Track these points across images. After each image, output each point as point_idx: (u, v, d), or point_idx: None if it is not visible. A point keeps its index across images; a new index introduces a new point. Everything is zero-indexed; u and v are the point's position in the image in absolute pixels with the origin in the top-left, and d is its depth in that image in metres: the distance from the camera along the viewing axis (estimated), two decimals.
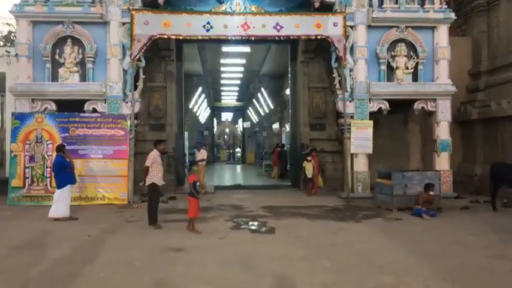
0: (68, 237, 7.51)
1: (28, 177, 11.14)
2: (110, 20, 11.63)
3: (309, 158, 12.91)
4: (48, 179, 10.98)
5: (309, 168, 12.91)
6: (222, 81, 27.55)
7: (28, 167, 11.17)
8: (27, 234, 7.76)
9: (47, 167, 11.06)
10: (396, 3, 12.30)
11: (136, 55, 11.52)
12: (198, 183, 8.19)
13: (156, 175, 8.35)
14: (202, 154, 13.82)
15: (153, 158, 8.41)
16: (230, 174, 23.05)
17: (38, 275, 5.42)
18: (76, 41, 11.74)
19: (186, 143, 17.91)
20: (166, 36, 11.95)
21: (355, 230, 8.31)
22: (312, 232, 8.04)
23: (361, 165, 12.21)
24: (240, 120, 38.80)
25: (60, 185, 9.23)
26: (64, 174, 9.25)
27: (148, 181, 8.36)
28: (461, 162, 14.06)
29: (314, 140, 14.00)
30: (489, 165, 10.80)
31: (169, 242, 7.10)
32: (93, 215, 9.65)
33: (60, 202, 9.13)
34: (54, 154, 10.09)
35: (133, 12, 11.44)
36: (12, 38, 23.99)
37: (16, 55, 11.62)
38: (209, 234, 7.71)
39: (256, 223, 8.89)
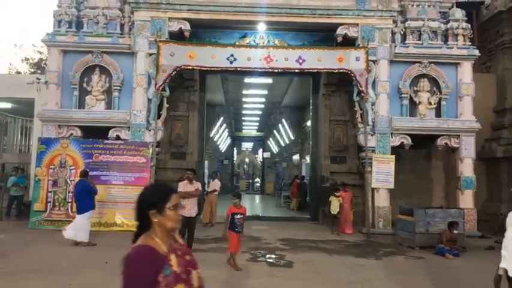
0: (86, 263, 7.53)
1: (50, 202, 11.31)
2: (137, 51, 11.99)
3: (337, 194, 11.88)
4: (70, 204, 11.13)
5: (335, 204, 11.83)
6: (244, 112, 27.83)
7: (51, 192, 11.35)
8: (46, 259, 7.83)
9: (69, 192, 11.23)
10: (419, 39, 12.34)
11: (161, 85, 11.78)
12: (239, 216, 7.55)
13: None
14: (215, 184, 13.46)
15: (180, 186, 8.26)
16: (249, 205, 22.91)
17: None
18: (103, 70, 12.11)
19: (206, 171, 17.99)
20: (190, 67, 12.23)
21: (375, 267, 8.10)
22: (330, 267, 7.88)
23: (382, 200, 12.02)
24: (260, 150, 38.88)
25: (81, 211, 9.33)
26: (86, 199, 9.37)
27: None
28: (486, 201, 13.70)
29: (334, 173, 13.88)
30: None
31: None
32: (112, 242, 9.67)
33: (80, 227, 9.21)
34: (77, 179, 10.25)
35: (160, 44, 11.78)
36: (42, 65, 24.90)
37: (46, 82, 12.03)
38: (225, 266, 7.63)
39: (274, 256, 8.76)
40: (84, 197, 9.32)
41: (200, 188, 8.68)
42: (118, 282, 6.35)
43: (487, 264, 8.48)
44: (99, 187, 10.60)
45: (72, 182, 11.13)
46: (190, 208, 8.11)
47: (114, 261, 7.64)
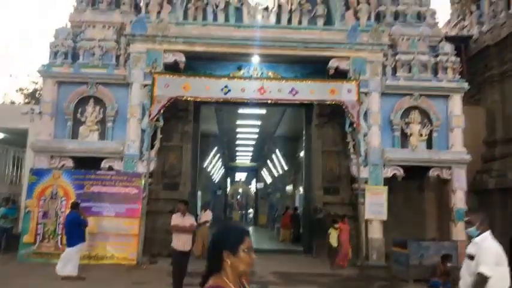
0: None
1: (40, 234, 11.11)
2: (132, 82, 12.08)
3: (336, 226, 11.74)
4: (59, 236, 10.93)
5: (334, 236, 11.68)
6: (237, 142, 27.89)
7: (41, 223, 11.18)
8: None
9: (59, 224, 11.05)
10: (409, 72, 12.59)
11: (155, 115, 11.83)
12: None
13: (175, 239, 7.97)
14: (207, 216, 13.29)
15: (173, 220, 8.12)
16: None
17: None
18: (98, 101, 12.16)
19: (199, 202, 17.84)
20: (185, 98, 12.34)
21: None
22: None
23: (375, 231, 11.95)
24: (254, 181, 38.76)
25: (71, 243, 9.18)
26: (76, 232, 9.24)
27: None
28: None
29: (327, 204, 13.83)
30: (508, 236, 10.48)
31: None
32: (101, 276, 9.49)
33: (69, 260, 9.05)
34: (68, 211, 10.12)
35: (155, 75, 11.90)
36: (37, 95, 24.97)
37: (40, 113, 12.05)
38: None
39: None
40: (74, 229, 9.20)
41: (194, 222, 8.48)
42: None
43: None
44: (90, 219, 10.47)
45: (63, 213, 10.97)
46: (184, 242, 7.91)
47: None
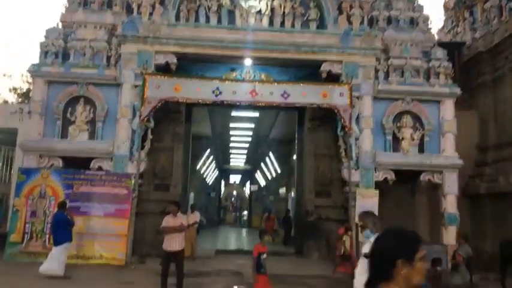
0: None
1: (27, 233, 11.02)
2: (123, 83, 12.01)
3: (349, 233, 11.22)
4: (47, 236, 10.83)
5: (348, 243, 11.17)
6: (231, 144, 27.87)
7: (29, 223, 11.09)
8: None
9: (47, 223, 10.95)
10: (402, 76, 12.60)
11: (146, 116, 11.76)
12: (265, 256, 6.96)
13: (165, 240, 8.00)
14: (194, 217, 13.30)
15: (165, 221, 8.14)
16: (234, 238, 22.62)
17: None
18: (88, 101, 12.07)
19: (195, 204, 17.76)
20: (176, 100, 12.29)
21: None
22: None
23: None
24: (248, 183, 38.73)
25: (57, 242, 9.14)
26: (63, 231, 9.19)
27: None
28: (470, 237, 13.64)
29: (319, 207, 13.81)
30: (499, 241, 10.48)
31: None
32: (88, 275, 9.42)
33: (56, 260, 8.98)
34: (55, 210, 10.05)
35: (146, 76, 11.84)
36: (30, 95, 24.83)
37: (29, 112, 11.96)
38: None
39: None
40: (61, 229, 9.15)
41: (184, 222, 8.47)
42: None
43: None
44: (78, 218, 10.45)
45: (51, 212, 10.89)
46: (175, 242, 7.92)
47: None
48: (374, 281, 1.98)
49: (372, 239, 4.00)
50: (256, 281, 6.82)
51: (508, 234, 11.66)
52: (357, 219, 11.84)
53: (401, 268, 1.92)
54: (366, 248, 4.10)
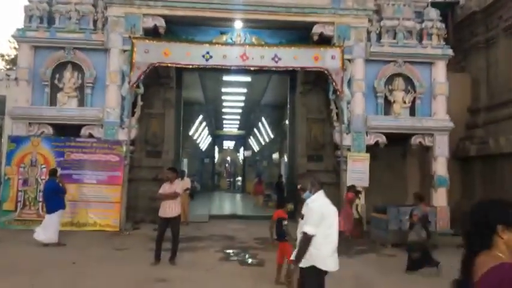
0: (52, 264, 7.38)
1: (20, 201, 11.04)
2: (110, 47, 11.75)
3: (360, 196, 11.08)
4: (40, 204, 10.85)
5: (360, 206, 11.13)
6: (224, 110, 27.70)
7: (21, 191, 11.08)
8: (11, 260, 7.64)
9: (39, 191, 10.94)
10: (394, 38, 12.42)
11: (135, 82, 11.58)
12: (286, 222, 6.71)
13: (161, 206, 7.87)
14: (185, 183, 13.02)
15: (162, 188, 8.03)
16: (228, 203, 22.86)
17: None
18: (76, 67, 11.84)
19: (185, 170, 17.82)
20: (165, 64, 12.08)
21: (347, 265, 8.09)
22: None
23: None
24: (242, 149, 38.85)
25: (50, 210, 9.16)
26: (55, 199, 9.19)
27: None
28: (460, 199, 13.88)
29: (311, 172, 13.86)
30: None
31: (154, 272, 6.95)
32: (82, 242, 9.51)
33: (49, 227, 9.03)
34: (47, 178, 10.03)
35: (134, 41, 11.58)
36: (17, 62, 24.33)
37: (16, 79, 11.73)
38: (196, 266, 7.55)
39: (247, 255, 8.72)
40: (53, 197, 9.15)
41: (178, 189, 8.27)
42: (82, 283, 6.22)
43: (458, 261, 8.59)
44: (71, 186, 10.47)
45: (43, 180, 10.86)
46: (170, 208, 7.76)
47: (81, 261, 7.52)
48: (473, 252, 1.97)
49: (308, 200, 4.27)
50: (279, 247, 6.59)
51: (497, 195, 11.87)
52: (348, 183, 11.99)
53: (502, 233, 1.93)
54: (303, 210, 4.28)
